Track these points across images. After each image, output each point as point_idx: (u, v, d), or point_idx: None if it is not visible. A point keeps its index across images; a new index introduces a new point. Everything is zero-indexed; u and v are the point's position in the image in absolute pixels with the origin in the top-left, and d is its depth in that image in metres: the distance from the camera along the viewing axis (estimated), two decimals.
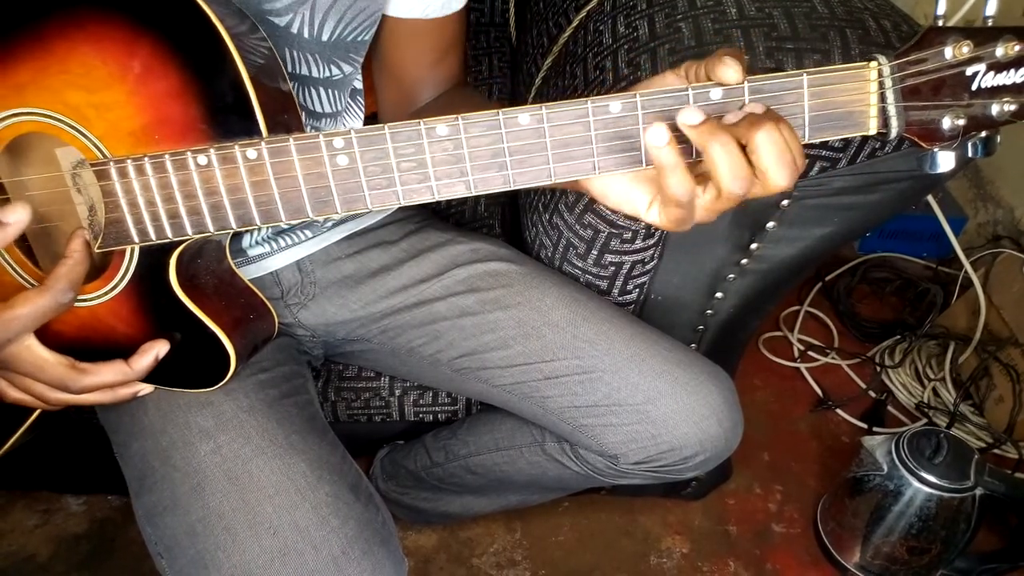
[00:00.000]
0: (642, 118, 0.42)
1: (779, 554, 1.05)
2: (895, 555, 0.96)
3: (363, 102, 0.70)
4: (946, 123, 0.41)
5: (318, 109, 0.63)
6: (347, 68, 0.63)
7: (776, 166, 0.39)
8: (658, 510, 1.09)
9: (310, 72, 0.60)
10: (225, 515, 0.54)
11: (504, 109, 0.42)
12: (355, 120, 0.69)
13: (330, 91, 0.63)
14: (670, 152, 0.40)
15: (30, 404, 0.54)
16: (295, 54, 0.58)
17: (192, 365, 0.55)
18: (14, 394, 0.53)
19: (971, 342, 1.24)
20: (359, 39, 0.63)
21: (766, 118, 0.39)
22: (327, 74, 0.62)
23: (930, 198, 1.32)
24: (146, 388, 0.56)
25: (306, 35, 0.58)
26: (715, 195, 0.42)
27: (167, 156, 0.45)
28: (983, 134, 0.41)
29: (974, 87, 0.40)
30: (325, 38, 0.59)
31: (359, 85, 0.68)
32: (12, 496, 1.09)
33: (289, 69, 0.58)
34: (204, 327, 0.52)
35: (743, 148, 0.40)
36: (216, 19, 0.43)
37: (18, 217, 0.46)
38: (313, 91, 0.62)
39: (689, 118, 0.40)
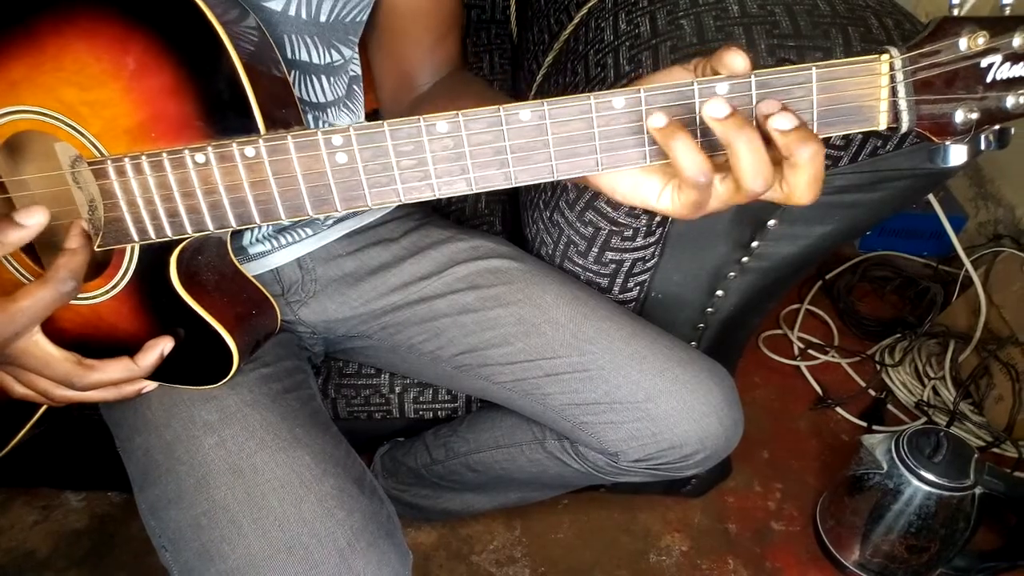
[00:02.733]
0: (646, 114, 0.41)
1: (778, 552, 1.05)
2: (894, 553, 0.96)
3: (362, 92, 0.69)
4: (959, 117, 0.40)
5: (320, 99, 0.63)
6: (346, 52, 0.63)
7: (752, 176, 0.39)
8: (658, 508, 1.09)
9: (310, 58, 0.60)
10: (230, 508, 0.54)
11: (505, 105, 0.41)
12: (355, 110, 0.69)
13: (331, 78, 0.63)
14: (671, 132, 0.40)
15: (35, 400, 0.54)
16: (294, 39, 0.58)
17: (195, 362, 0.55)
18: (20, 390, 0.54)
19: (971, 341, 1.24)
20: (357, 19, 0.62)
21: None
22: (327, 59, 0.61)
23: (931, 196, 1.32)
24: (150, 385, 0.56)
25: (303, 17, 0.58)
26: (733, 188, 0.41)
27: (165, 154, 0.45)
28: (996, 127, 0.40)
29: (989, 79, 0.39)
30: (323, 19, 0.59)
31: (357, 71, 0.67)
32: (12, 493, 1.10)
33: (288, 55, 0.58)
34: (206, 324, 0.52)
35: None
36: (210, 14, 0.43)
37: (36, 220, 0.46)
38: (315, 79, 0.62)
39: (715, 111, 0.39)
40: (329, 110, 0.65)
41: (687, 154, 0.40)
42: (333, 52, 0.62)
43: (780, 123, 0.39)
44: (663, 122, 0.40)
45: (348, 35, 0.62)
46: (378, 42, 0.70)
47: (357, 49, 0.66)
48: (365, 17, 0.63)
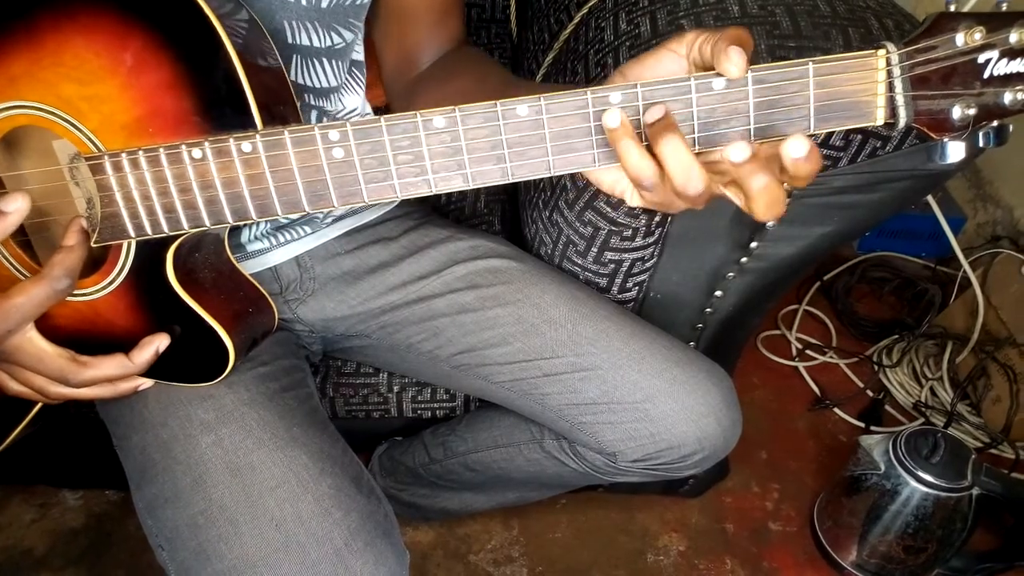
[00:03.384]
0: (642, 109, 0.41)
1: (776, 552, 1.05)
2: (891, 554, 0.96)
3: (362, 76, 0.69)
4: (956, 113, 0.39)
5: (322, 84, 0.63)
6: (347, 35, 0.63)
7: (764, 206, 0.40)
8: (656, 508, 1.09)
9: (311, 42, 0.60)
10: (227, 507, 0.54)
11: (502, 100, 0.41)
12: (354, 95, 0.69)
13: (333, 62, 0.63)
14: (618, 136, 0.40)
15: (30, 397, 0.54)
16: (294, 24, 0.58)
17: (191, 359, 0.55)
18: (14, 387, 0.53)
19: (969, 342, 1.24)
20: (359, 2, 0.62)
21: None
22: (328, 43, 0.61)
23: (929, 198, 1.32)
24: (146, 383, 0.56)
25: (304, 3, 0.57)
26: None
27: (162, 149, 0.45)
28: (995, 123, 0.40)
29: (986, 75, 0.39)
30: (324, 5, 0.59)
31: (358, 56, 0.67)
32: (9, 490, 1.09)
33: (289, 40, 0.58)
34: (202, 321, 0.52)
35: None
36: (208, 10, 0.43)
37: (17, 206, 0.46)
38: (315, 63, 0.61)
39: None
40: (332, 96, 0.65)
41: (629, 157, 0.41)
42: (334, 35, 0.61)
43: (733, 155, 0.39)
44: (616, 123, 0.41)
45: (349, 18, 0.62)
46: (381, 23, 0.69)
47: (360, 33, 0.65)
48: (367, 0, 0.63)
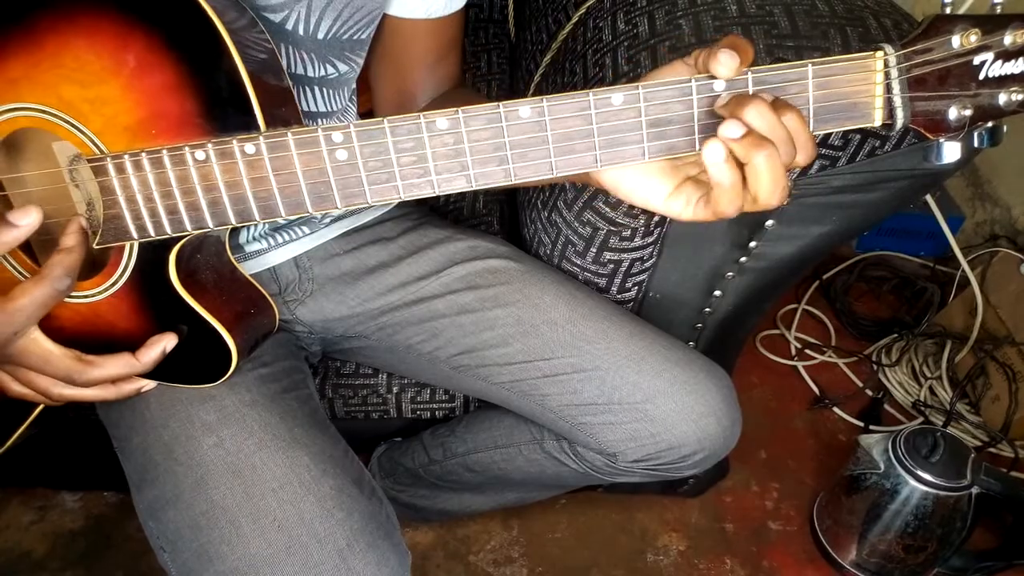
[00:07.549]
0: (644, 110, 0.41)
1: (775, 552, 1.05)
2: (891, 553, 0.96)
3: (357, 101, 0.70)
4: (952, 113, 0.40)
5: (313, 108, 0.63)
6: (343, 67, 0.63)
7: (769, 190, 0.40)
8: (655, 507, 1.09)
9: (305, 71, 0.60)
10: (229, 509, 0.54)
11: (505, 102, 0.41)
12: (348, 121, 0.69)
13: (326, 90, 0.63)
14: (726, 170, 0.40)
15: (32, 399, 0.54)
16: (291, 51, 0.58)
17: (193, 360, 0.55)
18: (17, 388, 0.53)
19: (968, 341, 1.24)
20: (356, 38, 0.62)
21: (766, 142, 0.39)
22: (322, 73, 0.61)
23: (928, 197, 1.33)
24: (149, 384, 0.56)
25: (301, 32, 0.58)
26: (751, 203, 0.42)
27: (165, 151, 0.45)
28: (989, 124, 0.41)
29: (981, 76, 0.39)
30: (321, 36, 0.59)
31: (355, 86, 0.68)
32: (8, 493, 1.09)
33: (283, 67, 0.58)
34: (205, 322, 0.52)
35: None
36: (211, 11, 0.43)
37: (29, 221, 0.47)
38: (308, 90, 0.62)
39: (731, 132, 0.40)
40: (319, 120, 0.65)
41: (728, 196, 0.41)
42: (328, 67, 0.62)
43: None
44: (721, 156, 0.40)
45: (345, 52, 0.62)
46: (379, 59, 0.70)
47: (357, 68, 0.66)
48: (367, 36, 0.64)
